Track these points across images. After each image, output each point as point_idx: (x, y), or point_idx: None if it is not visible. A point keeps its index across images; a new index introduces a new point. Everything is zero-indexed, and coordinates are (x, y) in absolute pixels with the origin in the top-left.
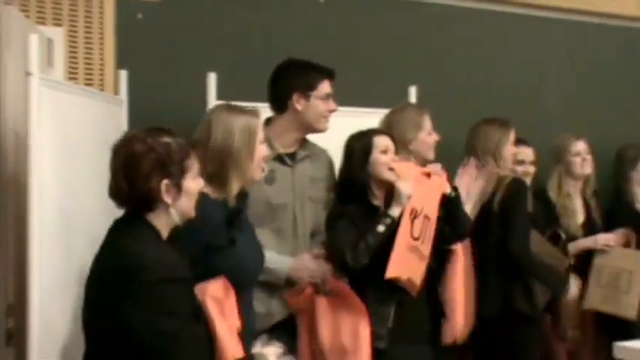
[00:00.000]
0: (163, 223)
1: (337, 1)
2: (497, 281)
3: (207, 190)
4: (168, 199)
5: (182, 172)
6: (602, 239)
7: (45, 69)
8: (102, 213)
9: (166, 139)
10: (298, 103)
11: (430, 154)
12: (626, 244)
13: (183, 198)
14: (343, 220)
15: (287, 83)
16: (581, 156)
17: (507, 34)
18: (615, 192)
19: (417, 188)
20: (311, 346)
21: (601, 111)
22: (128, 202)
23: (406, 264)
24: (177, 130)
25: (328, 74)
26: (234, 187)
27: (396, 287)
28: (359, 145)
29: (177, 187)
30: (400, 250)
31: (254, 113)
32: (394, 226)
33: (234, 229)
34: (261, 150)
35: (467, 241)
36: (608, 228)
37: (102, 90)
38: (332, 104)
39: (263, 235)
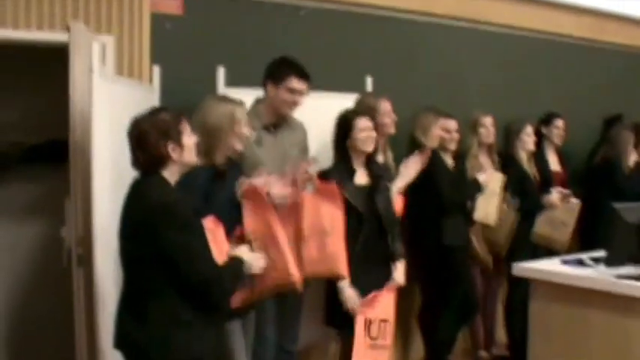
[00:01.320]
0: (172, 175)
1: (313, 14)
2: (430, 225)
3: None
4: (175, 156)
5: (179, 134)
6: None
7: (100, 66)
8: None
9: (162, 115)
10: (270, 90)
11: (391, 131)
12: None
13: (185, 151)
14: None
15: (266, 74)
16: (487, 128)
17: (440, 39)
18: (506, 157)
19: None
20: (293, 234)
21: (504, 99)
22: (147, 167)
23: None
24: (167, 107)
25: (297, 73)
26: (219, 158)
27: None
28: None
29: (180, 146)
30: (359, 352)
31: (237, 102)
32: None
33: (216, 185)
34: (242, 130)
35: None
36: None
37: (141, 81)
38: (296, 98)
39: None
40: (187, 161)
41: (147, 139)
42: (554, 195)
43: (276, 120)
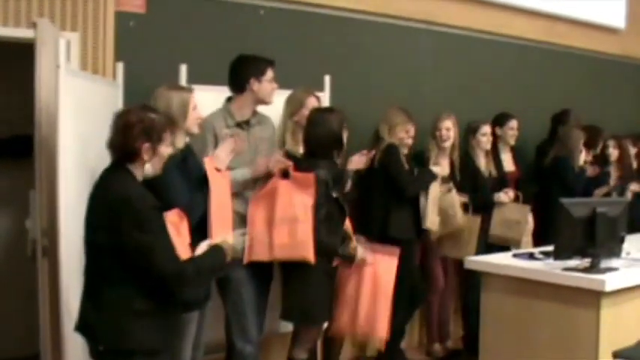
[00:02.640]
0: (139, 172)
1: (273, 13)
2: (378, 217)
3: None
4: (146, 157)
5: (159, 140)
6: None
7: (66, 62)
8: (106, 162)
9: (152, 115)
10: (254, 85)
11: None
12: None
13: (156, 159)
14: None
15: (245, 71)
16: (441, 131)
17: (397, 40)
18: (465, 154)
19: None
20: (267, 218)
21: (458, 98)
22: (118, 152)
23: None
24: (160, 111)
25: (271, 63)
26: (178, 142)
27: None
28: None
29: (154, 151)
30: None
31: (187, 89)
32: None
33: (187, 165)
34: (194, 114)
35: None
36: (462, 180)
37: (104, 77)
38: (275, 84)
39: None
40: (153, 167)
41: (130, 130)
42: (503, 194)
43: (249, 116)
